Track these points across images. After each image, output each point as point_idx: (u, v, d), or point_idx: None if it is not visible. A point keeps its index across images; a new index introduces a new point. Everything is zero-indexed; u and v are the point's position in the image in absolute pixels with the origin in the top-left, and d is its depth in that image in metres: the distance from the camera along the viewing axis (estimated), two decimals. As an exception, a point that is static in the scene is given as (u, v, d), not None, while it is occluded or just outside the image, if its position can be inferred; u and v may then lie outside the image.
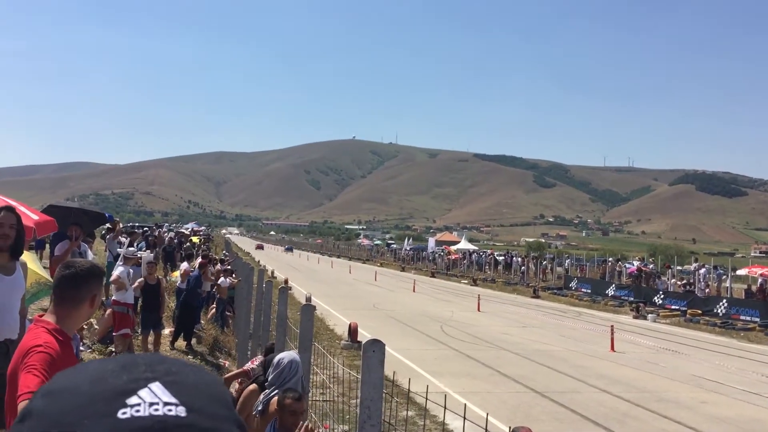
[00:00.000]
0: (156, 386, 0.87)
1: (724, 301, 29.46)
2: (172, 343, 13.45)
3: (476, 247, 77.91)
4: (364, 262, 76.85)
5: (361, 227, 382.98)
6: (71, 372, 0.90)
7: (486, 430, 3.07)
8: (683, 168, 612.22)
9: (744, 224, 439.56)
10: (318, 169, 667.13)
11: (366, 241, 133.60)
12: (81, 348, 8.95)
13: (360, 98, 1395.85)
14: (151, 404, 0.85)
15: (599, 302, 35.04)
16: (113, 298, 10.79)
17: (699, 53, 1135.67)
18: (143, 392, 0.86)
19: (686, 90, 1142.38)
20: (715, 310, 28.88)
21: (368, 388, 3.58)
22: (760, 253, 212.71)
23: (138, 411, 0.84)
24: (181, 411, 0.85)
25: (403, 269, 64.47)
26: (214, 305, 17.41)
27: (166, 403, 0.85)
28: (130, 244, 15.24)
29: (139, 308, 12.37)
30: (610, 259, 49.90)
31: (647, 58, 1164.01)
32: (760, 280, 29.63)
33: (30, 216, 7.56)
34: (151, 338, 12.17)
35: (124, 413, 0.84)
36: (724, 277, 33.71)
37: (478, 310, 28.63)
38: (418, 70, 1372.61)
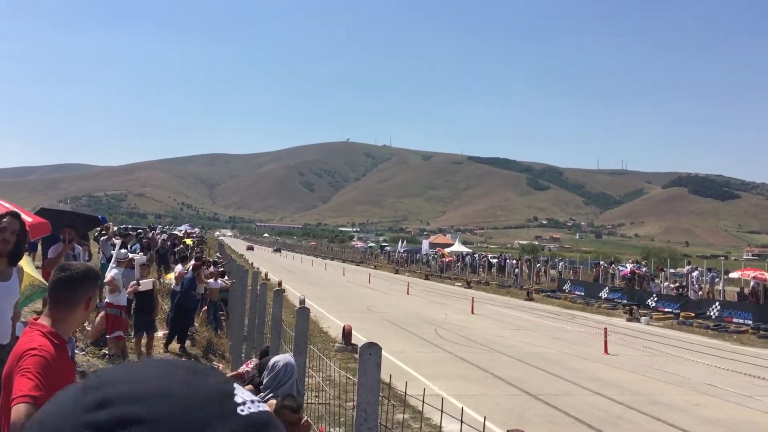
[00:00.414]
0: (236, 386, 0.91)
1: (717, 303, 29.57)
2: (166, 345, 13.41)
3: (470, 250, 77.93)
4: (357, 265, 76.83)
5: (354, 229, 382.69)
6: (133, 378, 0.89)
7: (483, 433, 3.07)
8: (676, 171, 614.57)
9: (736, 227, 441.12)
10: (312, 171, 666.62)
11: (360, 244, 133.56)
12: (76, 351, 8.92)
13: (354, 100, 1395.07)
14: (252, 401, 0.89)
15: (593, 305, 35.14)
16: (106, 300, 10.76)
17: (692, 57, 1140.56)
18: (237, 392, 0.89)
19: (679, 93, 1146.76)
20: (708, 313, 29.00)
21: (365, 392, 3.58)
22: (753, 255, 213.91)
23: (250, 408, 0.87)
24: (264, 407, 0.90)
25: (397, 271, 64.48)
26: (205, 307, 17.34)
27: (255, 401, 0.89)
28: (123, 246, 15.19)
29: (132, 311, 12.33)
30: (603, 262, 50.01)
31: (640, 62, 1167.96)
32: (752, 283, 29.75)
33: (24, 218, 7.53)
34: (144, 341, 12.13)
35: (242, 410, 0.86)
36: (717, 279, 33.83)
37: (472, 312, 28.67)
38: (412, 72, 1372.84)
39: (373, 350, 3.61)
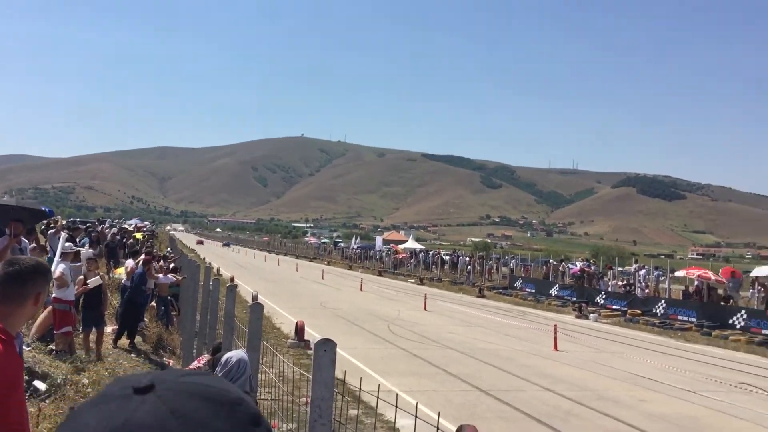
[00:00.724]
0: None
1: (663, 301, 30.36)
2: (115, 341, 13.17)
3: (423, 247, 78.43)
4: (311, 261, 76.57)
5: (308, 225, 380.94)
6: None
7: (438, 429, 3.10)
8: (625, 171, 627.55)
9: (682, 227, 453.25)
10: (266, 166, 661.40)
11: (313, 240, 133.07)
12: (25, 347, 8.68)
13: (309, 96, 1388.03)
14: None
15: (543, 302, 35.69)
16: (54, 295, 10.50)
17: (641, 59, 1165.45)
18: None
19: (629, 95, 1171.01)
20: (654, 311, 29.75)
21: (319, 387, 3.58)
22: (697, 255, 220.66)
23: None
24: None
25: (350, 268, 64.45)
26: (153, 303, 17.06)
27: None
28: (71, 240, 14.86)
29: (80, 306, 12.07)
30: (553, 260, 50.86)
31: (591, 63, 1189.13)
32: (696, 282, 30.60)
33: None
34: (93, 336, 11.89)
35: None
36: (663, 278, 34.72)
37: (425, 309, 28.84)
38: (367, 69, 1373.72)
39: (327, 346, 3.61)
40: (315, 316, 23.59)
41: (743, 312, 26.08)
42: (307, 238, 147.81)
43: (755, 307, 26.79)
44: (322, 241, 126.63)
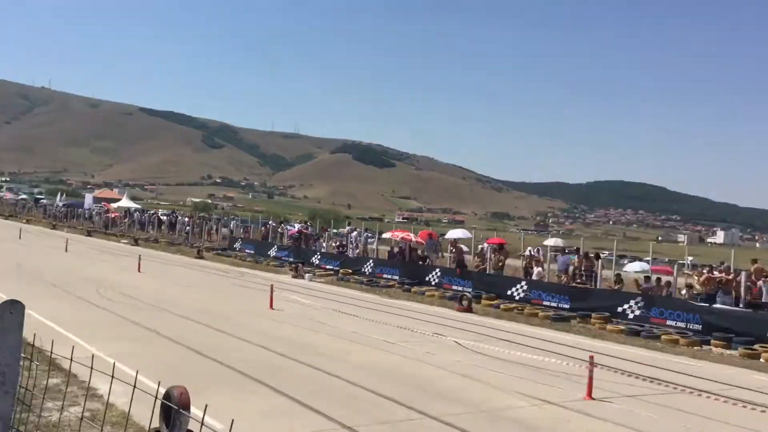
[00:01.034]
0: None
1: (371, 261, 32.65)
2: None
3: (139, 206, 74.77)
4: (6, 218, 68.92)
5: (3, 179, 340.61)
6: None
7: (135, 387, 3.01)
8: (343, 138, 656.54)
9: (391, 192, 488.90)
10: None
11: (9, 195, 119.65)
12: None
13: (3, 32, 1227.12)
14: None
15: (262, 263, 36.30)
16: None
17: (353, 27, 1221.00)
18: None
19: (346, 62, 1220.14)
20: (363, 270, 31.89)
21: (4, 354, 3.25)
22: (403, 218, 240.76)
23: None
24: None
25: (54, 227, 59.34)
26: None
27: None
28: None
29: None
30: (272, 222, 51.79)
31: (311, 26, 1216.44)
32: (400, 243, 33.33)
33: None
34: None
35: None
36: (372, 239, 37.22)
37: (139, 270, 27.66)
38: (78, 10, 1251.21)
39: (14, 308, 3.27)
40: (10, 279, 21.39)
41: (437, 270, 29.08)
42: (2, 194, 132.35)
43: (448, 266, 29.94)
44: (21, 197, 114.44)
